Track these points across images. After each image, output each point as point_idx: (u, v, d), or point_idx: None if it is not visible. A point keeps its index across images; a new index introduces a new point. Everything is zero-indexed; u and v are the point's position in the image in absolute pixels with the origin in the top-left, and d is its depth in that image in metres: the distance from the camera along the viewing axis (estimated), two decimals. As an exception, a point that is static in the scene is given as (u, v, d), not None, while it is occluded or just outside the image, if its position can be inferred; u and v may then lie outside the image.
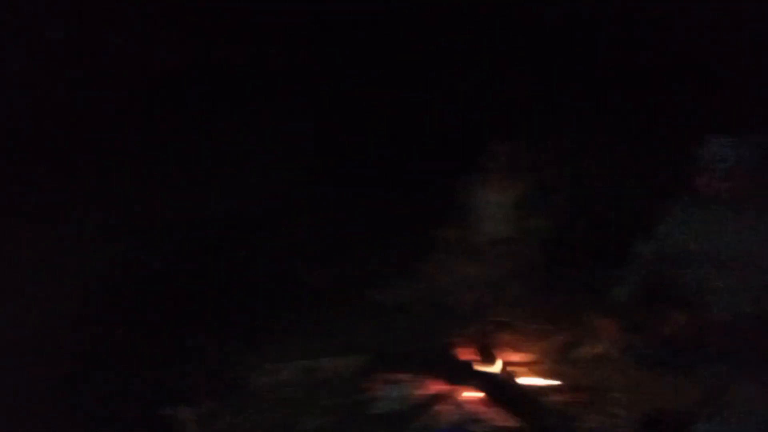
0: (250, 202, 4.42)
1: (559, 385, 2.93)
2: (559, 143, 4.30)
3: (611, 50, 4.52)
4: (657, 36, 4.46)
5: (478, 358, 3.05)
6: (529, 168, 3.98)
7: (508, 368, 3.00)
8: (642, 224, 3.26)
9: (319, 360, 3.16)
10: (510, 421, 2.68)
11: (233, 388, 2.98)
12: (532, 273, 3.68)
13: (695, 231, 3.00)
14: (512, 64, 4.82)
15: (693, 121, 3.76)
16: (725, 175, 2.84)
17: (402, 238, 4.23)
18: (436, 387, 2.93)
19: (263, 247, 4.23)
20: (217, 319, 3.56)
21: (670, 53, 4.39)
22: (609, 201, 4.08)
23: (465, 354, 3.10)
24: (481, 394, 2.83)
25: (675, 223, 3.09)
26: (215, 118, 4.75)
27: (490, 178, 3.97)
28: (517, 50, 4.75)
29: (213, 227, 4.32)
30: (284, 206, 4.46)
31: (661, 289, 3.18)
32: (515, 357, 3.10)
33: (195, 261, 4.10)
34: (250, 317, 3.57)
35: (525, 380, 2.96)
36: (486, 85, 4.87)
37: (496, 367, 2.99)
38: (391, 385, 2.97)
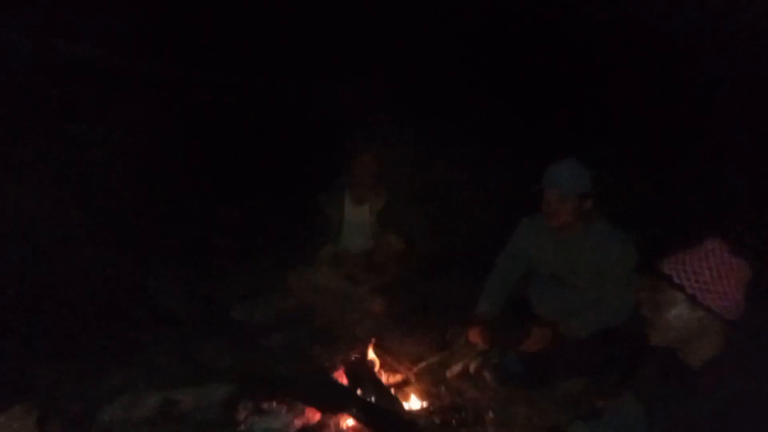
0: (89, 219, 3.86)
1: (434, 407, 2.93)
2: (418, 156, 4.32)
3: (470, 68, 4.68)
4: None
5: (352, 381, 2.93)
6: (390, 181, 3.96)
7: (384, 391, 2.92)
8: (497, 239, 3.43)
9: (179, 390, 2.81)
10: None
11: (80, 424, 2.54)
12: (397, 288, 3.65)
13: (544, 249, 3.21)
14: (371, 78, 4.82)
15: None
16: (561, 199, 2.97)
17: (262, 255, 3.98)
18: (309, 416, 2.76)
19: (108, 264, 3.71)
20: (59, 344, 3.03)
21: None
22: (466, 215, 4.19)
23: (339, 377, 2.97)
24: (357, 422, 2.71)
25: (525, 240, 3.27)
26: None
27: (350, 192, 3.90)
28: (379, 63, 4.75)
29: (48, 244, 3.70)
30: (132, 223, 3.97)
31: (523, 306, 3.36)
32: (389, 378, 3.03)
33: (35, 281, 3.48)
34: (96, 342, 3.09)
35: (400, 402, 2.89)
36: (343, 99, 4.80)
37: (371, 391, 2.89)
38: (260, 415, 2.75)
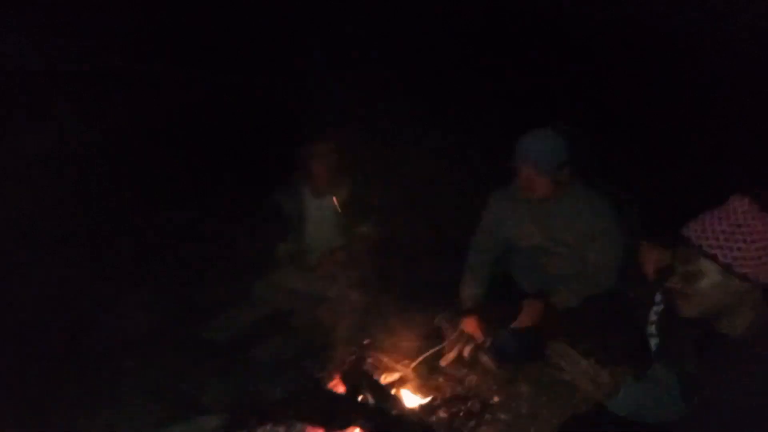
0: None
1: (438, 400, 2.80)
2: (382, 145, 4.12)
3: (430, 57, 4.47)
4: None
5: (350, 389, 2.76)
6: (352, 171, 3.75)
7: (385, 393, 2.76)
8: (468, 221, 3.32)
9: (162, 430, 2.56)
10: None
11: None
12: (374, 281, 3.47)
13: (520, 222, 3.12)
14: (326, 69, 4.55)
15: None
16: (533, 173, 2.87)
17: (221, 263, 3.70)
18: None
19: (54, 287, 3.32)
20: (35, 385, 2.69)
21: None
22: (434, 200, 4.04)
23: (335, 387, 2.79)
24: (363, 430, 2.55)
25: (499, 215, 3.17)
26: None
27: (309, 185, 3.68)
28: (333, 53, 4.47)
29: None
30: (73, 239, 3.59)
31: (507, 282, 3.27)
32: (387, 379, 2.86)
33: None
34: (54, 387, 2.77)
35: (405, 402, 2.75)
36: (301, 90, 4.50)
37: (372, 396, 2.72)
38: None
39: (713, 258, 1.58)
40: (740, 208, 1.62)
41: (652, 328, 2.49)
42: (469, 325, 3.07)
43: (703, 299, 1.65)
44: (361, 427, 2.50)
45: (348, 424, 2.52)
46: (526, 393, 2.89)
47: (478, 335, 3.05)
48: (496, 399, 2.84)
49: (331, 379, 2.77)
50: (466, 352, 3.08)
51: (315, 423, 2.55)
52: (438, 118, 4.14)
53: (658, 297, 2.47)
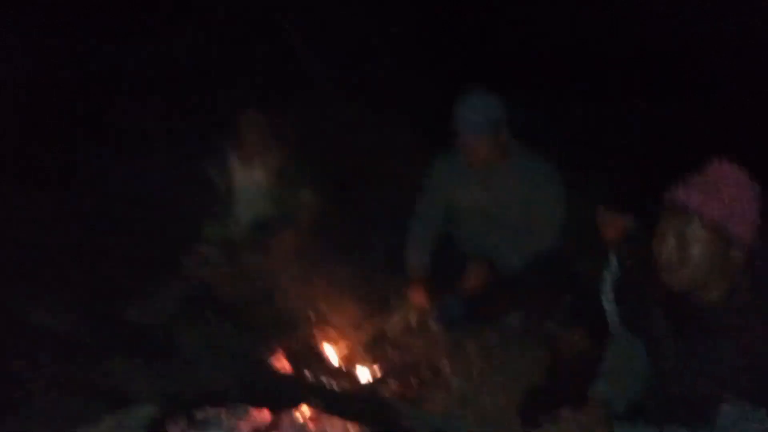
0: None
1: (388, 371, 2.68)
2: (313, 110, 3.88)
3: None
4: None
5: (296, 366, 2.59)
6: (285, 137, 3.51)
7: (333, 368, 2.61)
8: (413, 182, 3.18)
9: (89, 428, 2.29)
10: (358, 428, 2.34)
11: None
12: (315, 254, 3.28)
13: (465, 188, 3.03)
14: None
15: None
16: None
17: (146, 240, 3.37)
18: (256, 416, 2.39)
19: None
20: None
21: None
22: (371, 163, 3.86)
23: (279, 365, 2.60)
24: (314, 410, 2.39)
25: (443, 180, 3.07)
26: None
27: (238, 153, 3.41)
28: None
29: None
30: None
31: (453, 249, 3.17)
32: (334, 354, 2.71)
33: None
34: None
35: (355, 376, 2.61)
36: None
37: (320, 372, 2.57)
38: (197, 429, 2.32)
39: (711, 220, 1.51)
40: (722, 170, 1.56)
41: (608, 295, 2.48)
42: (415, 292, 2.97)
43: (695, 269, 1.58)
44: (310, 405, 2.34)
45: (296, 404, 2.35)
46: (475, 357, 2.83)
47: (425, 302, 2.95)
48: (446, 364, 2.75)
49: (274, 357, 2.58)
50: (413, 319, 2.98)
51: (260, 404, 2.37)
52: (378, 80, 3.95)
53: (613, 264, 2.46)
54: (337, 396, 2.39)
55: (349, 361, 2.68)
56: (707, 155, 1.64)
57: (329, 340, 2.70)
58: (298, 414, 2.38)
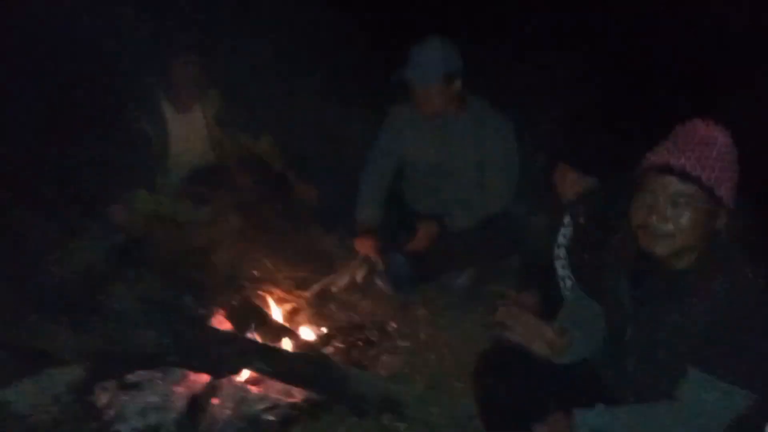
0: None
1: (333, 330, 2.58)
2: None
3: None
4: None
5: (237, 324, 2.43)
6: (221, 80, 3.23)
7: (276, 326, 2.47)
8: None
9: (6, 390, 2.08)
10: (302, 392, 2.24)
11: None
12: (256, 203, 3.09)
13: (419, 140, 2.91)
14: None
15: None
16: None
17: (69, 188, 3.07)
18: (193, 379, 2.24)
19: None
20: None
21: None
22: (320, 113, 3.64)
23: (218, 324, 2.44)
24: (256, 373, 2.26)
25: (397, 132, 2.94)
26: None
27: (171, 99, 3.13)
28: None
29: None
30: None
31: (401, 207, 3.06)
32: (277, 313, 2.57)
33: None
34: None
35: (299, 336, 2.49)
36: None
37: (262, 332, 2.42)
38: (127, 392, 2.17)
39: (697, 181, 1.44)
40: (710, 131, 1.48)
41: (560, 251, 2.44)
42: (364, 247, 2.85)
43: (683, 235, 1.50)
44: (253, 369, 2.21)
45: (238, 367, 2.22)
46: (423, 318, 2.77)
47: (374, 257, 2.85)
48: (393, 325, 2.68)
49: (213, 317, 2.42)
50: (359, 276, 2.88)
51: (197, 368, 2.23)
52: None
53: (566, 219, 2.42)
54: (281, 358, 2.26)
55: (294, 320, 2.56)
56: (673, 117, 1.58)
57: (273, 298, 2.56)
58: (238, 378, 2.27)
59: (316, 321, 2.61)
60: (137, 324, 2.22)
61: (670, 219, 1.51)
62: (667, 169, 1.48)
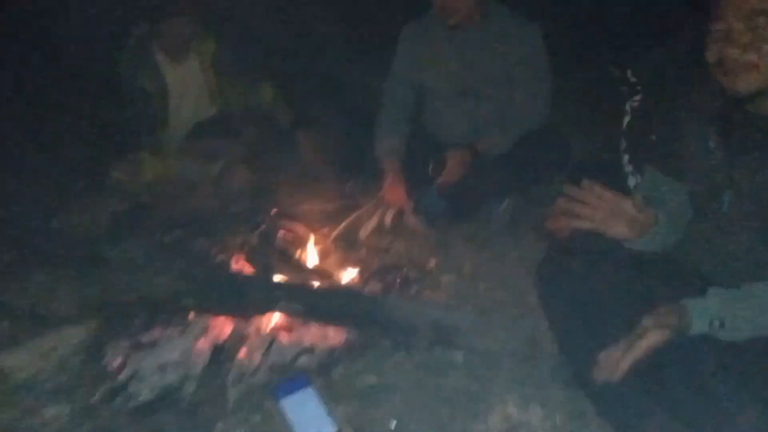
0: None
1: (367, 273, 2.29)
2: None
3: None
4: None
5: (259, 267, 2.16)
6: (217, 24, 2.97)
7: (304, 267, 2.20)
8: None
9: (4, 355, 1.83)
10: (340, 334, 1.96)
11: None
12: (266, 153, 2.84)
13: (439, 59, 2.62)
14: None
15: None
16: None
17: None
18: (216, 331, 1.97)
19: None
20: None
21: None
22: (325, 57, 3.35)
23: (241, 270, 2.17)
24: (287, 316, 1.99)
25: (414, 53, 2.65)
26: None
27: (161, 46, 2.88)
28: None
29: None
30: None
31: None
32: (303, 254, 2.29)
33: None
34: None
35: (331, 276, 2.21)
36: None
37: (292, 273, 2.15)
38: (144, 352, 1.91)
39: None
40: None
41: (624, 146, 2.16)
42: (393, 196, 2.58)
43: (765, 64, 1.24)
44: (282, 309, 1.94)
45: (264, 308, 1.95)
46: (465, 253, 2.48)
47: (402, 197, 2.57)
48: (433, 262, 2.39)
49: (233, 260, 2.16)
50: (388, 218, 2.60)
51: (217, 311, 1.96)
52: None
53: (627, 105, 2.14)
54: (311, 294, 1.98)
55: (322, 262, 2.28)
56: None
57: (297, 239, 2.28)
58: (266, 323, 2.01)
59: (346, 265, 2.33)
60: (146, 271, 1.95)
61: (749, 46, 1.24)
62: None
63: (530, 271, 2.14)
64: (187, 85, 2.93)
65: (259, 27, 3.05)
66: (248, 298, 1.95)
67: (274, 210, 2.32)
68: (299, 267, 2.14)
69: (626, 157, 2.14)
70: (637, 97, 2.02)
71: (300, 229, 2.30)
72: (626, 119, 2.13)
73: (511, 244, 2.50)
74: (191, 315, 1.99)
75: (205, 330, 1.99)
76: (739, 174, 1.38)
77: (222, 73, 2.93)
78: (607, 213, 1.40)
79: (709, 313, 1.31)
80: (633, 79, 2.12)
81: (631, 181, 2.08)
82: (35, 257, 2.07)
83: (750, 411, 1.27)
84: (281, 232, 2.25)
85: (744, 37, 1.26)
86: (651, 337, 1.30)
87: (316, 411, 1.58)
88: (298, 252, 2.24)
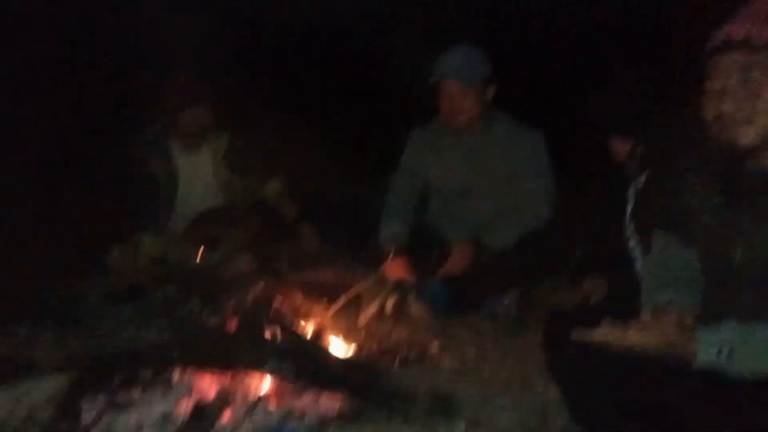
0: None
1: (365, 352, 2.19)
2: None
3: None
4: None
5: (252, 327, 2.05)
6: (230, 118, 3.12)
7: (299, 338, 2.09)
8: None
9: None
10: (333, 402, 1.82)
11: None
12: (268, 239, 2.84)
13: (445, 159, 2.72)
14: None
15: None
16: None
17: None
18: (201, 391, 1.84)
19: None
20: None
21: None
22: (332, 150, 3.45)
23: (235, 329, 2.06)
24: (277, 378, 1.86)
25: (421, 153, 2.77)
26: None
27: (177, 139, 3.01)
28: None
29: None
30: None
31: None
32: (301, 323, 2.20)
33: None
34: None
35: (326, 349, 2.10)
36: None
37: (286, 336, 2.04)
38: (119, 410, 1.77)
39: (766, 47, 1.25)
40: None
41: (630, 230, 2.15)
42: (395, 270, 2.55)
43: (761, 116, 1.30)
44: (271, 369, 1.82)
45: (254, 368, 1.83)
46: (467, 340, 2.38)
47: (403, 273, 2.53)
48: (435, 346, 2.29)
49: (226, 321, 2.06)
50: (389, 305, 2.53)
51: (206, 368, 1.83)
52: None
53: (630, 191, 2.17)
54: (304, 355, 1.87)
55: (316, 338, 2.18)
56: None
57: (294, 309, 2.21)
58: (254, 385, 1.87)
59: (342, 343, 2.23)
60: (133, 324, 1.87)
61: (744, 100, 1.30)
62: (729, 44, 1.30)
63: (537, 363, 2.08)
64: (196, 174, 3.01)
65: (273, 128, 3.19)
66: (236, 355, 1.83)
67: (271, 279, 2.26)
68: (294, 336, 2.04)
69: (632, 241, 2.13)
70: (643, 177, 2.05)
71: (297, 297, 2.23)
72: (630, 205, 2.15)
73: (516, 336, 2.40)
74: (176, 375, 1.88)
75: (188, 392, 1.86)
76: (749, 228, 1.37)
77: (233, 167, 3.03)
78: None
79: (717, 339, 1.23)
80: (631, 191, 2.18)
81: (639, 266, 2.05)
82: (21, 309, 1.99)
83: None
84: (278, 299, 2.18)
85: (738, 93, 1.32)
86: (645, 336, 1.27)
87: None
88: (294, 321, 2.15)
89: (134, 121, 3.04)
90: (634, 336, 1.30)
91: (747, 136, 1.33)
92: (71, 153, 3.14)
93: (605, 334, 1.33)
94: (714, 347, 1.23)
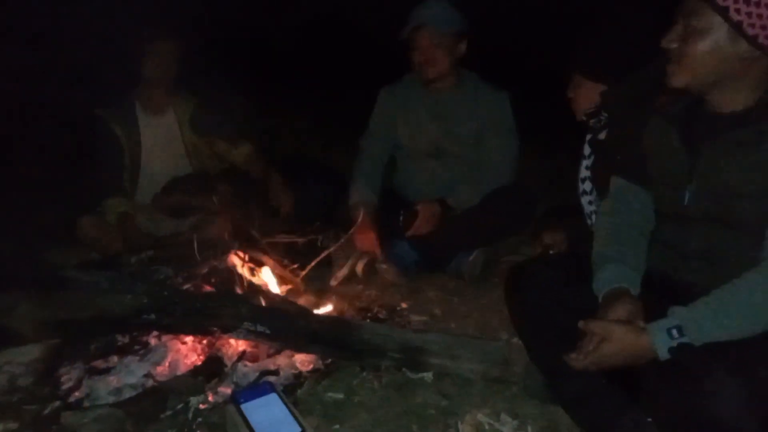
0: None
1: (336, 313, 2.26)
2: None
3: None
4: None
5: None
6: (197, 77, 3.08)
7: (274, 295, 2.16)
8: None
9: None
10: (307, 361, 1.91)
11: None
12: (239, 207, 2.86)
13: (414, 118, 2.78)
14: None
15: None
16: None
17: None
18: (178, 359, 1.90)
19: None
20: None
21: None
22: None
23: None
24: (252, 340, 1.93)
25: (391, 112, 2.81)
26: None
27: (143, 100, 2.97)
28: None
29: None
30: None
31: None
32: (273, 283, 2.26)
33: None
34: None
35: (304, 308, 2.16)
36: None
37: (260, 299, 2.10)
38: (98, 376, 1.82)
39: (724, 12, 1.31)
40: None
41: (585, 185, 2.24)
42: (364, 242, 2.61)
43: (699, 63, 1.37)
44: (246, 330, 1.87)
45: (228, 327, 1.88)
46: (436, 298, 2.47)
47: (372, 242, 2.60)
48: (404, 305, 2.38)
49: (199, 285, 2.11)
50: (360, 267, 2.60)
51: (180, 328, 1.89)
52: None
53: (586, 149, 2.24)
54: (277, 315, 1.94)
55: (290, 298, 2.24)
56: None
57: (266, 274, 2.26)
58: (230, 348, 1.94)
59: (315, 304, 2.30)
60: (109, 290, 1.91)
61: (676, 39, 1.39)
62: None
63: (501, 317, 2.19)
64: (162, 139, 2.99)
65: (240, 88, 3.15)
66: (212, 317, 1.89)
67: (242, 252, 2.28)
68: (266, 295, 2.10)
69: (587, 198, 2.22)
70: (603, 133, 2.13)
71: (268, 261, 2.29)
72: (586, 161, 2.23)
73: (481, 293, 2.51)
74: (153, 339, 1.94)
75: (165, 356, 1.92)
76: (699, 170, 1.46)
77: (199, 132, 3.02)
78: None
79: (664, 324, 1.33)
80: (586, 149, 2.25)
81: (594, 219, 2.14)
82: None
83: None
84: (251, 268, 2.23)
85: (677, 30, 1.40)
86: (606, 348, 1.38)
87: (280, 414, 1.50)
88: (265, 283, 2.21)
89: (100, 84, 2.97)
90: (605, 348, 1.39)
91: (674, 76, 1.42)
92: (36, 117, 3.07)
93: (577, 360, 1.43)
94: (662, 331, 1.32)
